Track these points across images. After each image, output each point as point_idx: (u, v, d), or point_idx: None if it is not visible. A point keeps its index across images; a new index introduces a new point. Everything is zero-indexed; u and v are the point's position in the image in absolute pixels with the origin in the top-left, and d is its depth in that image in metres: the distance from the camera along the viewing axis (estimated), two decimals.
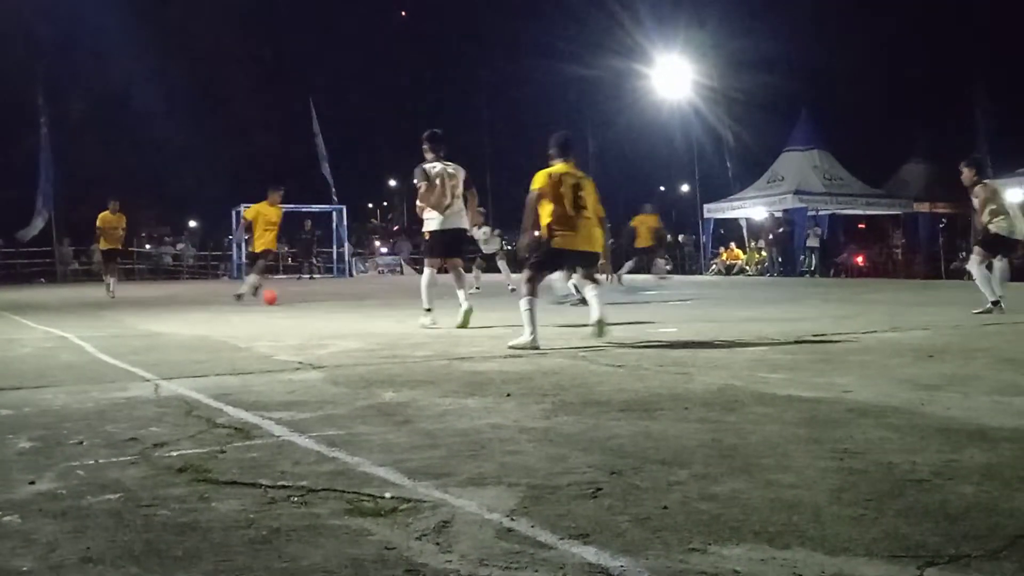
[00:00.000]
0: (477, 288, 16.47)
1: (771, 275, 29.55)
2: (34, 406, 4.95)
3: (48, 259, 33.36)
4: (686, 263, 36.60)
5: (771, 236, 30.62)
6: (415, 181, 9.52)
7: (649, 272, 20.57)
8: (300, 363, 6.63)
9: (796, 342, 7.56)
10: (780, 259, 30.31)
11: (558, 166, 8.06)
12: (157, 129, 37.51)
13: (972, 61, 33.69)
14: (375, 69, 52.02)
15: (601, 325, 7.76)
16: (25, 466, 3.55)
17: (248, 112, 42.91)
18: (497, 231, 19.08)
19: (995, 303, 10.02)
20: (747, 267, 32.52)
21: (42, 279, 31.95)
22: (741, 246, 34.06)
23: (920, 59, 36.29)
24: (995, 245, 10.52)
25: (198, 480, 3.28)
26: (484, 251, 18.72)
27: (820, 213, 30.39)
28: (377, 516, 2.80)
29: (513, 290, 15.64)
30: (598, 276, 8.36)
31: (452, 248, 9.70)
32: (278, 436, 4.03)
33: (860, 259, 31.70)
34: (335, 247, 36.90)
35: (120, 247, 19.13)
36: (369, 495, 3.03)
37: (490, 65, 47.78)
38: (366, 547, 2.52)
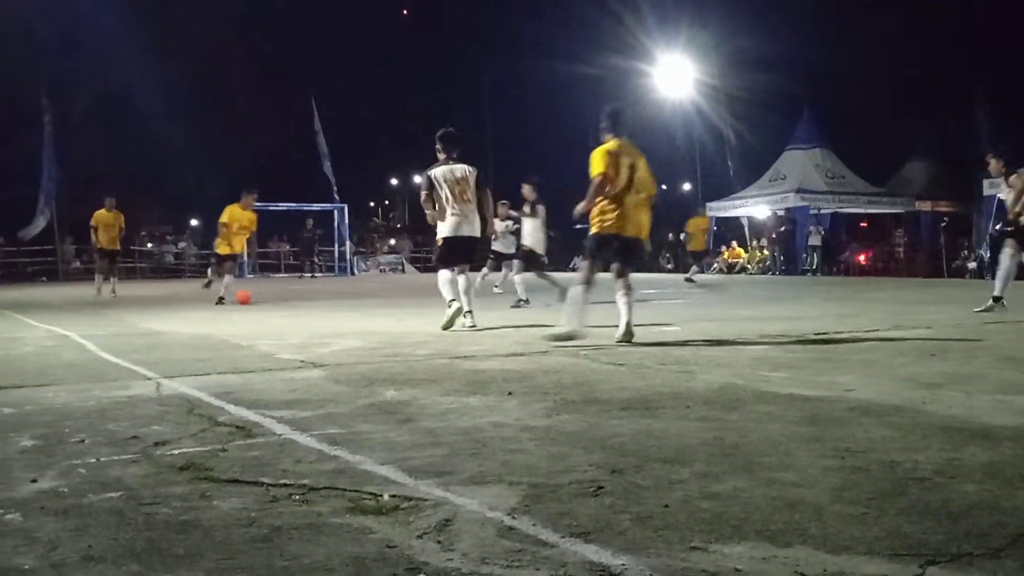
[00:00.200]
0: (496, 288, 16.09)
1: (773, 273, 29.54)
2: (36, 404, 4.96)
3: (50, 258, 33.38)
4: (688, 262, 36.54)
5: (773, 235, 30.62)
6: (421, 188, 9.41)
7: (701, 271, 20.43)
8: (302, 361, 6.63)
9: (798, 341, 7.56)
10: (782, 258, 30.29)
11: (612, 143, 7.87)
12: (159, 128, 37.47)
13: (974, 60, 33.66)
14: (376, 67, 51.99)
15: (628, 332, 7.61)
16: (27, 464, 3.55)
17: (249, 111, 42.86)
18: (516, 226, 18.34)
19: (997, 299, 10.01)
20: (749, 266, 32.51)
21: (44, 278, 31.95)
22: (743, 245, 34.05)
23: (922, 58, 36.25)
24: None
25: (200, 478, 3.28)
26: (499, 250, 18.06)
27: (822, 212, 30.38)
28: (379, 514, 2.80)
29: (499, 290, 15.58)
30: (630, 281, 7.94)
31: (464, 255, 9.47)
32: (280, 434, 4.03)
33: (863, 258, 31.70)
34: (336, 246, 36.91)
35: (117, 247, 18.97)
36: (371, 493, 3.03)
37: (492, 63, 47.75)
38: (367, 545, 2.52)
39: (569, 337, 7.46)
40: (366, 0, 50.19)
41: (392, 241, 42.68)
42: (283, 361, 6.72)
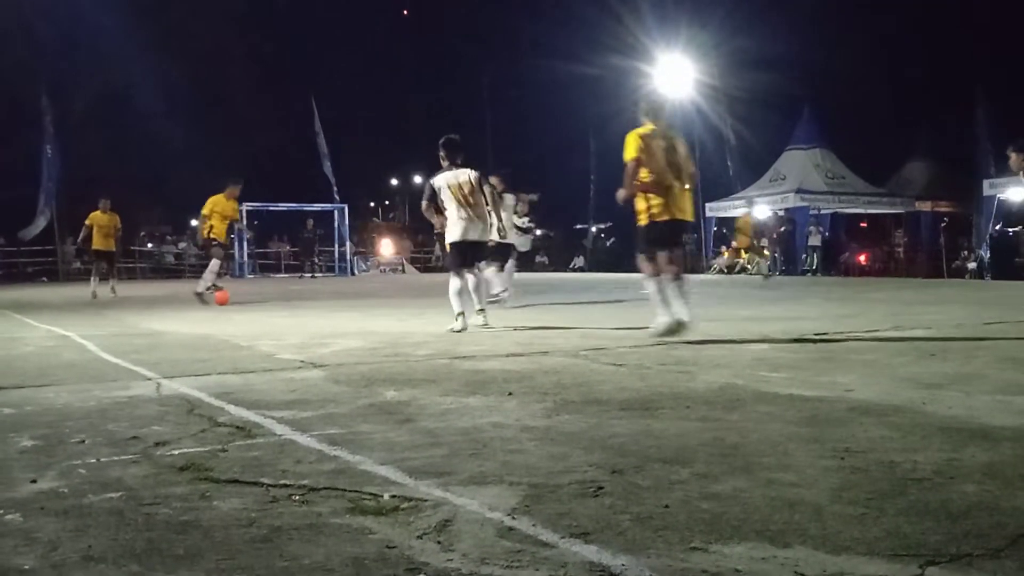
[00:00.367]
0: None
1: (773, 274, 29.53)
2: (36, 405, 4.96)
3: (50, 258, 33.38)
4: (688, 261, 36.57)
5: (774, 235, 30.62)
6: (424, 195, 9.41)
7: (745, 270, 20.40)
8: (302, 362, 6.63)
9: (798, 341, 7.56)
10: (782, 258, 30.29)
11: (646, 127, 7.87)
12: (159, 128, 37.48)
13: (974, 60, 33.67)
14: (376, 67, 52.03)
15: (682, 324, 7.54)
16: (27, 465, 3.55)
17: (249, 111, 42.88)
18: (532, 224, 17.93)
19: None
20: (748, 266, 32.50)
21: (44, 278, 31.96)
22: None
23: (922, 58, 36.26)
24: None
25: (200, 479, 3.28)
26: (518, 245, 17.75)
27: (822, 212, 30.39)
28: (378, 515, 2.80)
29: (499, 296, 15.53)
30: (681, 269, 7.91)
31: (471, 259, 9.43)
32: (280, 435, 4.03)
33: (863, 258, 31.71)
34: (337, 246, 36.92)
35: (113, 248, 18.93)
36: (370, 494, 3.03)
37: (491, 63, 47.76)
38: (367, 546, 2.52)
39: (671, 330, 7.48)
40: (366, 0, 50.19)
41: (388, 243, 42.56)
42: (283, 361, 6.72)
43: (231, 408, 4.70)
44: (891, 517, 2.67)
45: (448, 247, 9.41)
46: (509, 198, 13.87)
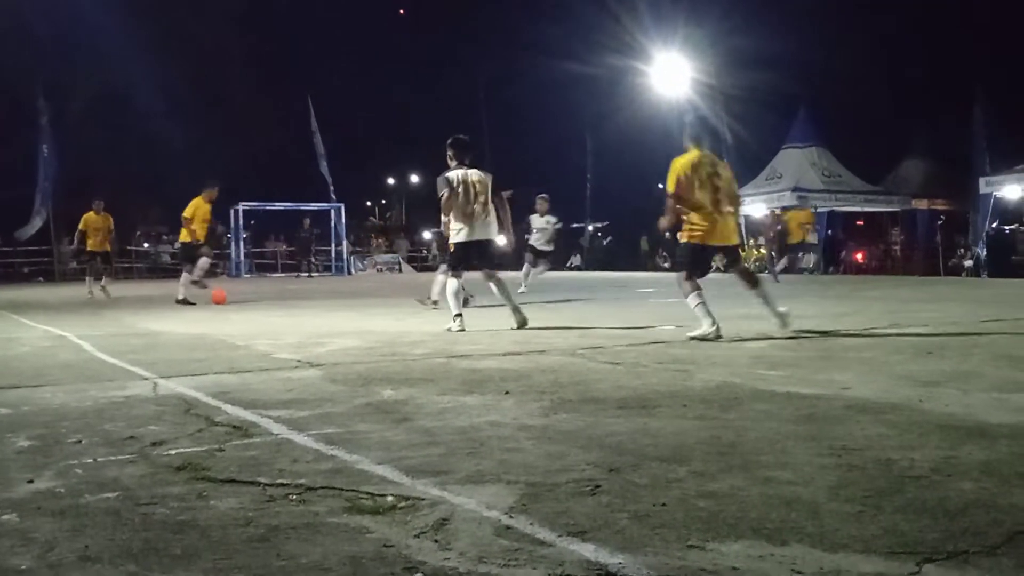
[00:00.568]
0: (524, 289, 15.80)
1: (769, 272, 29.53)
2: (33, 405, 4.95)
3: (47, 258, 33.34)
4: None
5: (771, 234, 30.62)
6: (438, 192, 9.14)
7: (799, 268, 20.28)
8: (299, 361, 6.63)
9: (795, 339, 7.56)
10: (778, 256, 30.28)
11: (691, 154, 8.01)
12: (156, 128, 37.48)
13: (971, 59, 33.70)
14: (374, 67, 52.00)
15: (784, 317, 7.94)
16: (24, 465, 3.55)
17: (246, 110, 42.86)
18: (559, 225, 17.69)
19: None
20: (746, 264, 32.51)
21: (41, 278, 31.93)
22: (740, 243, 34.03)
23: (919, 57, 36.29)
24: None
25: (197, 478, 3.28)
26: (535, 245, 17.12)
27: (819, 210, 30.38)
28: (376, 514, 2.80)
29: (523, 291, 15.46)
30: (752, 275, 8.45)
31: (482, 260, 9.24)
32: (277, 434, 4.03)
33: (860, 256, 31.73)
34: (333, 245, 36.91)
35: (108, 248, 18.93)
36: (368, 493, 3.03)
37: (488, 62, 47.74)
38: (365, 545, 2.52)
39: (718, 335, 7.62)
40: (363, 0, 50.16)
41: (387, 241, 42.60)
42: (280, 361, 6.72)
43: (228, 408, 4.69)
44: (888, 515, 2.67)
45: (453, 246, 9.22)
46: None
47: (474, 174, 9.11)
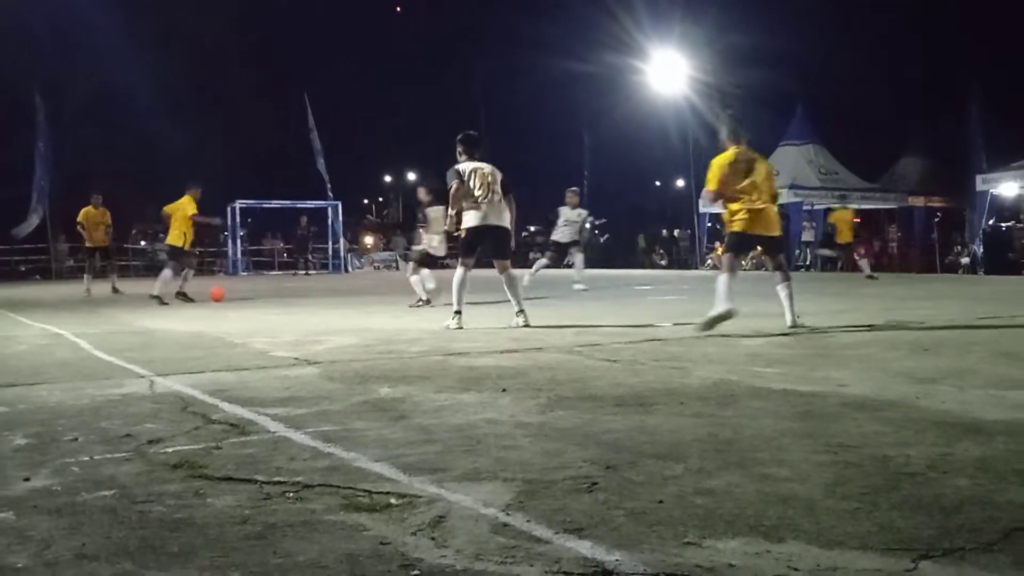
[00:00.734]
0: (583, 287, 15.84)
1: (766, 269, 29.57)
2: (29, 403, 4.95)
3: (44, 256, 33.30)
4: (682, 258, 36.68)
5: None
6: (447, 184, 9.04)
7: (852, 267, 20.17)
8: (296, 359, 6.63)
9: (792, 336, 7.57)
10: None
11: (728, 152, 8.28)
12: (152, 125, 37.42)
13: (968, 57, 33.73)
14: (370, 64, 51.96)
15: (797, 321, 8.13)
16: (20, 463, 3.54)
17: (243, 107, 42.82)
18: (591, 218, 17.59)
19: None
20: (743, 262, 32.52)
21: (37, 276, 31.90)
22: None
23: (916, 54, 36.33)
24: None
25: (193, 476, 3.28)
26: (560, 239, 17.18)
27: (815, 207, 30.41)
28: (372, 511, 2.80)
29: (585, 288, 15.37)
30: (788, 272, 8.65)
31: (495, 248, 9.11)
32: (274, 432, 4.03)
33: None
34: (330, 243, 36.88)
35: (106, 244, 18.92)
36: (365, 490, 3.03)
37: (485, 60, 47.74)
38: (361, 542, 2.52)
39: (727, 316, 7.85)
40: None
41: (384, 239, 42.58)
42: (277, 359, 6.71)
43: (225, 405, 4.69)
44: (884, 511, 2.68)
45: (464, 231, 9.07)
46: (431, 212, 13.60)
47: (486, 167, 9.06)
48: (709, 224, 34.00)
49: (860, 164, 31.60)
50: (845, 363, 5.87)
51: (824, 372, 5.46)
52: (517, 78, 45.89)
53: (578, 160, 41.41)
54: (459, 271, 9.01)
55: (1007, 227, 27.16)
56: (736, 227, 8.25)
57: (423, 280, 12.89)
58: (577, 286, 15.78)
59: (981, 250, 26.25)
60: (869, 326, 8.29)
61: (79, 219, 18.51)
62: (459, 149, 9.21)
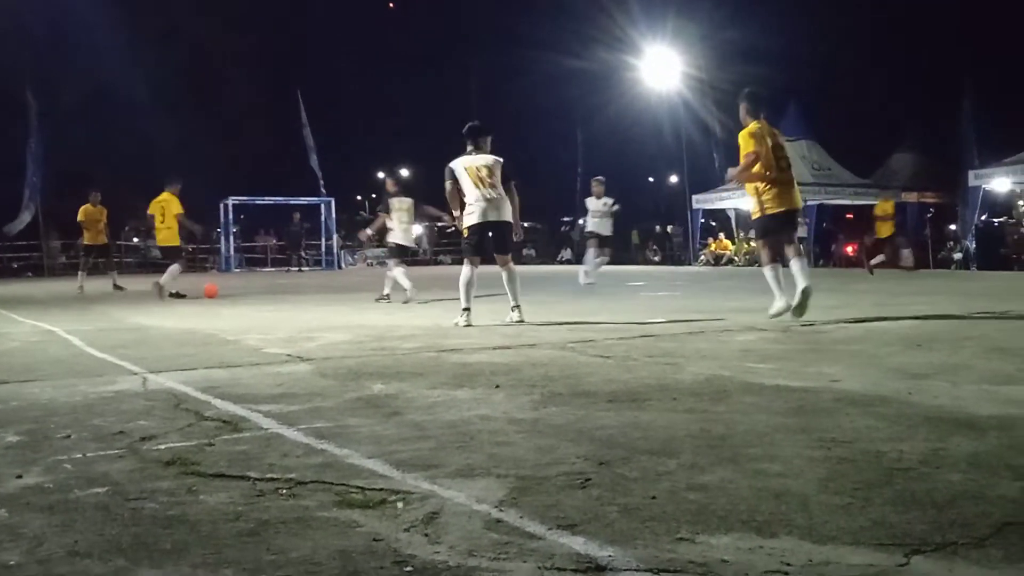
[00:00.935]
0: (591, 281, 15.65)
1: (760, 265, 29.61)
2: (21, 400, 4.93)
3: (36, 253, 33.24)
4: (675, 254, 36.74)
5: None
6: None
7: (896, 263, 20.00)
8: (289, 356, 6.62)
9: (785, 332, 7.58)
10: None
11: (754, 125, 8.61)
12: (145, 122, 37.38)
13: (960, 53, 33.80)
14: (364, 60, 51.93)
15: (803, 302, 8.27)
16: (12, 460, 3.54)
17: (236, 104, 42.79)
18: (617, 206, 17.36)
19: None
20: (735, 258, 32.58)
21: (30, 273, 31.84)
22: (729, 237, 34.13)
23: (909, 50, 36.39)
24: None
25: (186, 473, 3.27)
26: (595, 230, 16.82)
27: (808, 203, 30.44)
28: (366, 508, 2.80)
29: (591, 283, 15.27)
30: (800, 247, 8.99)
31: (495, 242, 9.08)
32: (267, 429, 4.02)
33: (850, 249, 31.82)
34: (324, 239, 36.86)
35: (104, 241, 18.90)
36: (358, 487, 3.03)
37: (478, 56, 47.75)
38: (354, 539, 2.52)
39: (787, 309, 8.32)
40: None
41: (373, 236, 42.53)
42: (270, 355, 6.70)
43: (218, 402, 4.69)
44: (877, 507, 2.68)
45: (466, 231, 9.04)
46: (396, 202, 13.56)
47: (481, 159, 8.97)
48: (702, 220, 34.04)
49: (853, 160, 31.68)
50: (838, 358, 5.88)
51: (817, 367, 5.47)
52: (511, 74, 45.93)
53: (572, 156, 41.43)
54: (465, 270, 8.97)
55: (999, 223, 27.20)
56: (766, 212, 8.57)
57: (398, 277, 12.91)
58: (589, 280, 15.61)
59: (973, 246, 26.30)
60: (862, 321, 8.30)
61: (79, 217, 18.45)
62: (466, 141, 9.14)
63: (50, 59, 34.69)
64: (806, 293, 8.22)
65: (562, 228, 42.82)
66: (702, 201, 32.75)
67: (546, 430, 3.86)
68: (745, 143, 8.59)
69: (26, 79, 33.00)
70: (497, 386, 5.02)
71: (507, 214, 8.99)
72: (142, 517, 2.76)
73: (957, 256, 27.26)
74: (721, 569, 2.24)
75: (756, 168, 8.52)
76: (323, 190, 37.71)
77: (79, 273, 18.47)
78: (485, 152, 9.08)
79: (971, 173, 26.06)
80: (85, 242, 18.67)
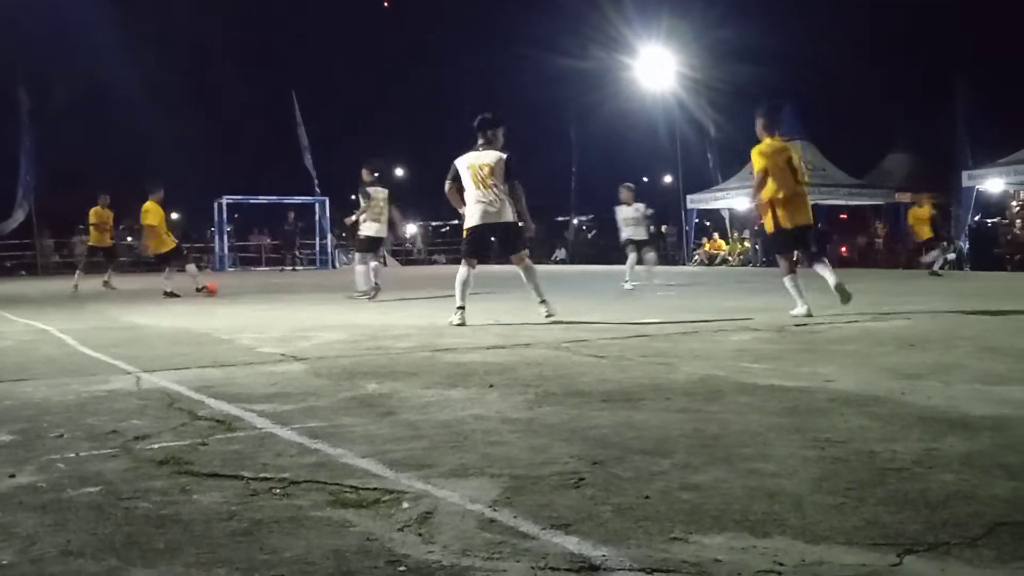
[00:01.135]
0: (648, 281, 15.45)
1: (754, 265, 29.64)
2: (15, 399, 4.92)
3: (29, 251, 33.16)
4: (669, 254, 36.75)
5: (755, 227, 30.70)
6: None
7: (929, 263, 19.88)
8: (283, 355, 6.61)
9: (779, 332, 7.59)
10: (762, 249, 30.39)
11: (767, 142, 8.83)
12: (139, 121, 37.33)
13: (954, 52, 33.87)
14: (358, 59, 51.89)
15: (843, 293, 8.92)
16: (5, 459, 3.53)
17: (231, 103, 42.75)
18: (651, 211, 17.06)
19: None
20: (730, 257, 32.63)
21: (23, 272, 31.77)
22: (724, 237, 34.17)
23: (903, 50, 36.46)
24: None
25: (179, 472, 3.26)
26: (632, 236, 16.41)
27: None
28: (359, 507, 2.80)
29: (630, 287, 15.02)
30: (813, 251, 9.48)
31: (501, 245, 9.08)
32: (260, 428, 4.02)
33: (844, 249, 31.88)
34: (318, 239, 36.82)
35: (110, 243, 18.95)
36: (351, 486, 3.02)
37: (472, 56, 47.75)
38: (348, 538, 2.51)
39: (808, 314, 8.63)
40: None
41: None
42: (264, 355, 6.70)
43: (211, 402, 4.68)
44: (870, 507, 2.68)
45: (464, 232, 9.00)
46: (372, 191, 13.53)
47: (486, 156, 8.87)
48: (696, 220, 34.06)
49: (847, 160, 31.73)
50: (831, 358, 5.89)
51: (811, 367, 5.48)
52: (505, 73, 45.89)
53: (565, 155, 41.44)
54: (462, 269, 8.92)
55: (993, 223, 27.26)
56: (781, 225, 8.86)
57: (358, 275, 12.90)
58: (629, 285, 15.26)
59: (967, 246, 26.35)
60: (855, 322, 8.31)
61: (91, 219, 18.44)
62: (477, 134, 9.07)
63: (43, 57, 34.61)
64: (840, 288, 8.87)
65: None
66: (696, 201, 32.77)
67: (540, 430, 3.86)
68: (756, 161, 8.85)
69: (18, 77, 32.94)
70: (491, 386, 5.02)
71: (507, 215, 8.87)
72: (135, 516, 2.75)
73: (950, 256, 27.31)
74: (714, 569, 2.24)
75: (769, 185, 8.79)
76: (317, 189, 37.66)
77: (77, 272, 18.43)
78: (496, 146, 8.96)
79: (965, 174, 26.10)
80: (91, 243, 18.68)
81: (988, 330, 7.61)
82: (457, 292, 8.81)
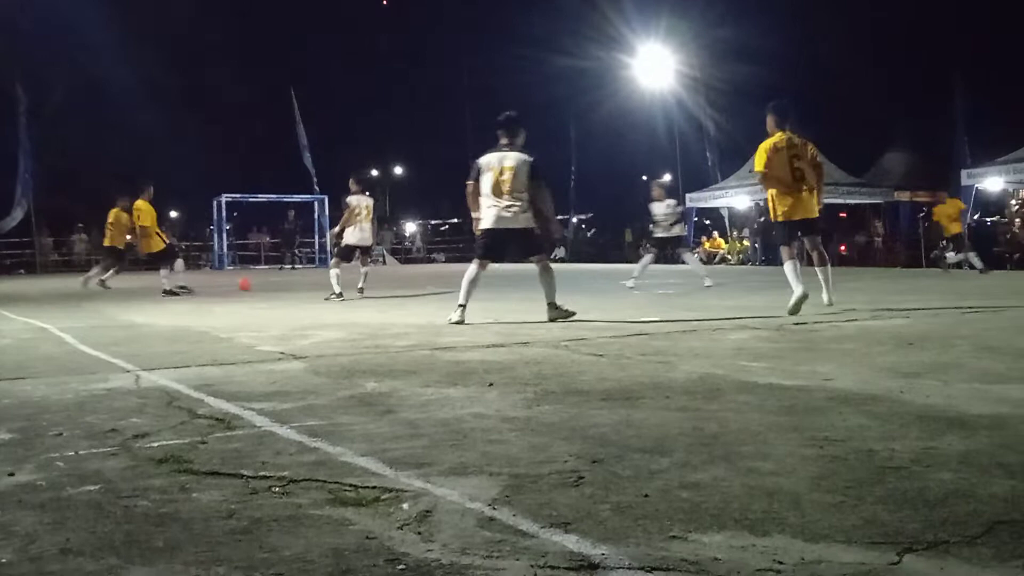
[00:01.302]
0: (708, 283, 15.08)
1: (753, 264, 29.65)
2: (13, 398, 4.92)
3: (28, 250, 33.16)
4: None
5: (755, 225, 30.73)
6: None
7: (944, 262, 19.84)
8: (282, 353, 6.61)
9: (778, 330, 7.59)
10: (762, 248, 30.41)
11: (773, 138, 9.11)
12: (137, 119, 37.31)
13: (953, 50, 33.86)
14: (357, 58, 51.87)
15: (831, 304, 9.08)
16: (4, 458, 3.53)
17: (230, 101, 42.72)
18: (680, 207, 16.91)
19: None
20: (729, 256, 32.63)
21: (22, 270, 31.76)
22: (723, 235, 34.18)
23: (901, 49, 36.47)
24: None
25: (179, 471, 3.26)
26: (663, 235, 16.57)
27: None
28: (358, 506, 2.80)
29: (709, 286, 14.83)
30: (825, 255, 9.62)
31: (516, 250, 9.01)
32: (259, 426, 4.02)
33: (843, 248, 31.88)
34: (317, 237, 36.82)
35: (123, 245, 19.01)
36: (351, 485, 3.02)
37: (472, 54, 47.73)
38: (347, 537, 2.51)
39: (805, 297, 8.78)
40: None
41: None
42: (263, 353, 6.70)
43: (211, 400, 4.68)
44: (869, 505, 2.69)
45: (478, 232, 8.95)
46: (360, 199, 13.52)
47: (510, 157, 8.77)
48: (696, 219, 34.06)
49: (845, 159, 31.72)
50: (830, 357, 5.89)
51: (809, 366, 5.48)
52: (504, 71, 45.89)
53: (564, 154, 41.43)
54: (472, 268, 8.89)
55: (992, 222, 27.26)
56: (780, 216, 9.18)
57: (331, 276, 12.94)
58: (706, 281, 15.08)
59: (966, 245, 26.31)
60: (854, 320, 8.31)
61: (109, 220, 18.48)
62: (498, 133, 8.97)
63: (42, 55, 34.57)
64: (831, 304, 9.19)
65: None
66: (696, 199, 32.76)
67: (539, 428, 3.86)
68: (758, 160, 9.24)
69: (16, 74, 32.91)
70: (490, 384, 5.02)
71: (523, 220, 8.76)
72: (134, 515, 2.75)
73: (950, 255, 27.31)
74: (713, 567, 2.24)
75: (772, 187, 9.20)
76: (316, 188, 37.66)
77: (95, 268, 18.60)
78: (518, 147, 8.86)
79: (964, 172, 26.11)
80: (105, 243, 18.78)
81: (987, 329, 7.61)
82: (462, 290, 8.78)
